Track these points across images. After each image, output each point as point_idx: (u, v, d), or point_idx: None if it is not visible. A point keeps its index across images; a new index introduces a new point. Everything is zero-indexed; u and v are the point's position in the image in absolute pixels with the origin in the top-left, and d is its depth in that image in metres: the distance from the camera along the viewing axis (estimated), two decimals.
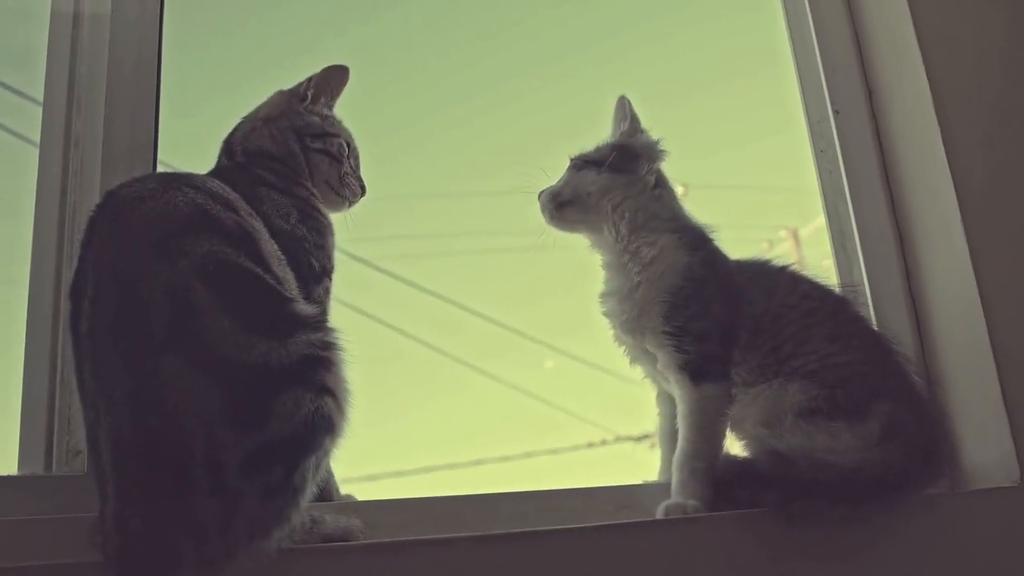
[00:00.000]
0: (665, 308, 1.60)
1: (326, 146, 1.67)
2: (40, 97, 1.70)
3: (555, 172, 1.79)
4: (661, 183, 1.76)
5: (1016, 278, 1.84)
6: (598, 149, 1.78)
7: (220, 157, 1.66)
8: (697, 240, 1.69)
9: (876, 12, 2.13)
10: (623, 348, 1.71)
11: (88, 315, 1.25)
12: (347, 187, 1.70)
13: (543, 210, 1.75)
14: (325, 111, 1.72)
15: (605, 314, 1.71)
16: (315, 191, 1.65)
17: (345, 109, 1.76)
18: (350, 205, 1.73)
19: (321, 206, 1.64)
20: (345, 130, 1.74)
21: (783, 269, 1.73)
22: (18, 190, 1.68)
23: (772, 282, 1.68)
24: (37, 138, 1.68)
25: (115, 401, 1.19)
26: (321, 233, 1.58)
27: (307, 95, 1.70)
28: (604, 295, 1.72)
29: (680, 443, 1.56)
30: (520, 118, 2.36)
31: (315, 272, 1.52)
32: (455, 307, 2.05)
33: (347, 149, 1.71)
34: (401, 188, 1.75)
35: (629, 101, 1.82)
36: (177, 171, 1.53)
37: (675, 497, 1.52)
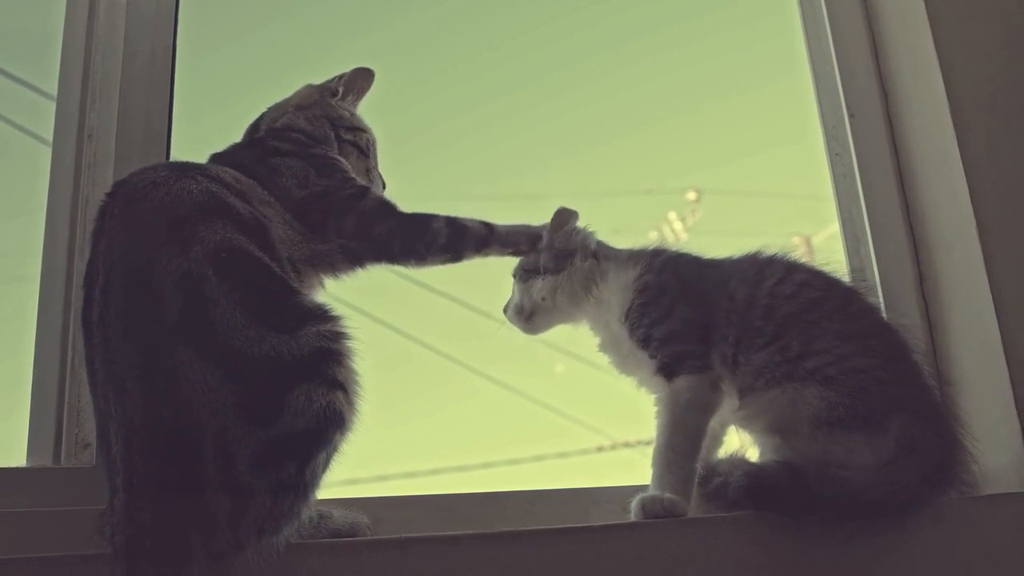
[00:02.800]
0: (629, 324, 1.65)
1: (356, 139, 1.72)
2: (53, 91, 1.71)
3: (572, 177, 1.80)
4: (597, 254, 1.78)
5: None
6: (535, 254, 1.78)
7: (245, 136, 1.69)
8: (643, 256, 1.74)
9: (893, 17, 2.12)
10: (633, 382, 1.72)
11: (99, 303, 1.25)
12: (373, 181, 1.73)
13: (513, 324, 1.79)
14: (352, 109, 1.77)
15: (612, 365, 1.74)
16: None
17: (366, 110, 1.80)
18: None
19: (341, 157, 1.67)
20: (369, 127, 1.79)
21: (773, 257, 1.71)
22: (30, 187, 1.69)
23: (757, 271, 1.67)
24: (49, 133, 1.69)
25: (125, 391, 1.18)
26: (344, 170, 1.62)
27: (338, 91, 1.75)
28: (601, 350, 1.75)
29: (656, 436, 1.57)
30: (542, 121, 2.36)
31: (354, 194, 1.56)
32: (468, 310, 2.05)
33: (372, 146, 1.76)
34: (419, 190, 1.77)
35: (568, 216, 1.81)
36: (191, 162, 1.52)
37: (652, 490, 1.51)
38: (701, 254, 1.76)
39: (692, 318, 1.62)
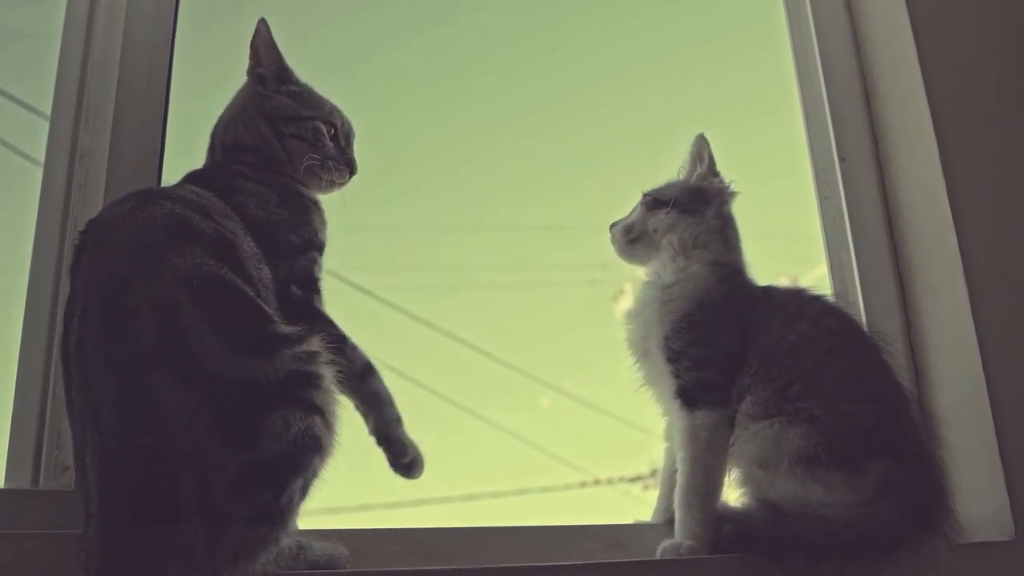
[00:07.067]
0: (668, 331, 1.62)
1: (300, 131, 1.58)
2: (47, 111, 1.70)
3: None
4: (727, 223, 1.78)
5: (1016, 332, 1.84)
6: (670, 187, 1.81)
7: (207, 155, 1.62)
8: (729, 275, 1.70)
9: (885, 62, 2.14)
10: (636, 369, 1.71)
11: (76, 332, 1.24)
12: (329, 171, 1.60)
13: (614, 242, 1.80)
14: (294, 87, 1.63)
15: (627, 341, 1.72)
16: (296, 176, 1.58)
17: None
18: (340, 187, 1.64)
19: (304, 189, 1.58)
20: (325, 106, 1.64)
21: (816, 299, 1.70)
22: (20, 208, 1.68)
23: (797, 311, 1.66)
24: (40, 153, 1.68)
25: (101, 418, 1.17)
26: (304, 212, 1.52)
27: (263, 74, 1.61)
28: (626, 313, 1.74)
29: (679, 477, 1.56)
30: (541, 150, 2.37)
31: (296, 245, 1.46)
32: (456, 343, 2.04)
33: (333, 129, 1.62)
34: (419, 218, 1.74)
35: (707, 141, 1.85)
36: (152, 188, 1.52)
37: (676, 536, 1.52)
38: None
39: (732, 350, 1.60)
